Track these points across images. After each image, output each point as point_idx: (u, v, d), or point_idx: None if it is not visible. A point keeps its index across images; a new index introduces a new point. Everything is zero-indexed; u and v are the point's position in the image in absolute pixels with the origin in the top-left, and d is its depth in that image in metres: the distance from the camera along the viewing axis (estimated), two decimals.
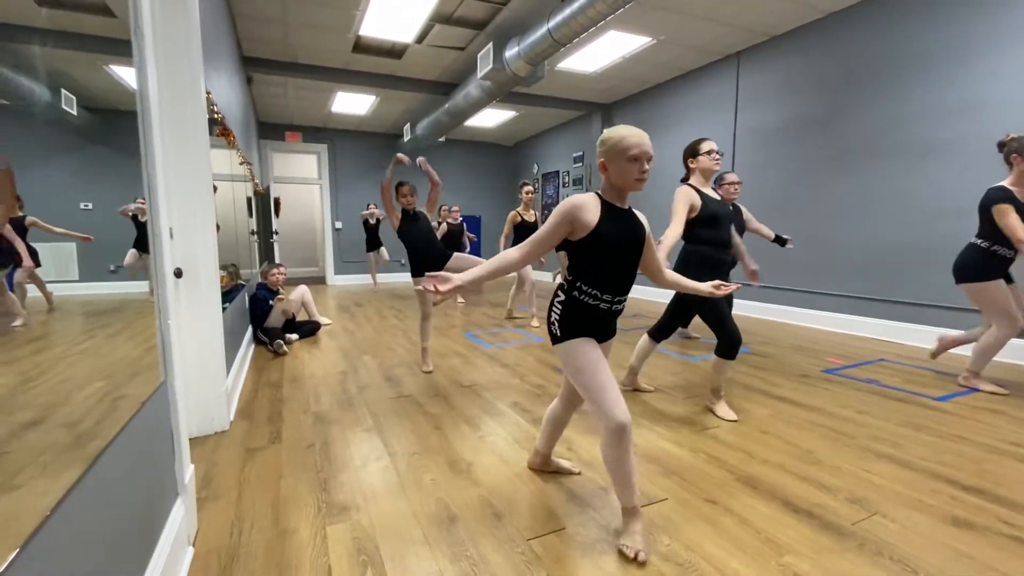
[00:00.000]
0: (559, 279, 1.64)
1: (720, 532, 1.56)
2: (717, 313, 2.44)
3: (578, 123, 8.50)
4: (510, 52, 4.73)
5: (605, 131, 1.49)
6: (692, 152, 2.51)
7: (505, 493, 1.81)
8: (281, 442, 2.27)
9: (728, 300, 3.30)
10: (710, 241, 2.49)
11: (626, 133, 1.44)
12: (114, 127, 1.25)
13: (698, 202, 2.44)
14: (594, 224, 1.44)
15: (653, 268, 1.67)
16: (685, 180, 2.54)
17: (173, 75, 2.07)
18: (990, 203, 2.72)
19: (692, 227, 2.47)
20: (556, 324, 1.55)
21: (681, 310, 2.83)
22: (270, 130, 8.87)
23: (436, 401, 2.80)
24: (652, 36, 5.10)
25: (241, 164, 4.34)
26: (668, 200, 2.48)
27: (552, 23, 4.08)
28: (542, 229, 1.48)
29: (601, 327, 1.56)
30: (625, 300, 1.54)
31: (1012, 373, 3.28)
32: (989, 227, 2.77)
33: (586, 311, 1.51)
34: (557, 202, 4.39)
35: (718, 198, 2.54)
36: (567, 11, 3.88)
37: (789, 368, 3.42)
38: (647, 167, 1.44)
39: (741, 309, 5.56)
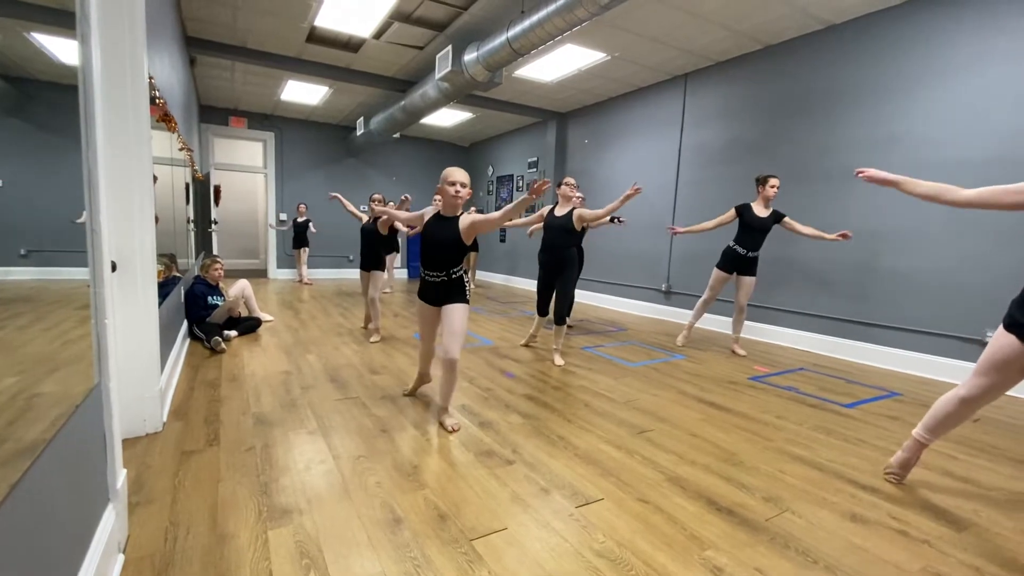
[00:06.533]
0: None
1: (650, 529, 1.68)
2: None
3: (534, 129, 8.63)
4: (469, 56, 4.76)
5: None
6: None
7: (450, 495, 1.85)
8: (219, 444, 2.20)
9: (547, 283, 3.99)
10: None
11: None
12: (31, 99, 1.12)
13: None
14: None
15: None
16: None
17: (112, 54, 1.96)
18: None
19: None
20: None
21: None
22: (213, 114, 8.41)
23: (383, 403, 2.80)
24: (607, 53, 5.29)
25: (181, 150, 4.12)
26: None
27: (511, 33, 4.15)
28: None
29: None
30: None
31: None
32: None
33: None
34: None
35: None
36: (526, 23, 3.97)
37: (720, 375, 3.67)
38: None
39: (681, 318, 5.86)
